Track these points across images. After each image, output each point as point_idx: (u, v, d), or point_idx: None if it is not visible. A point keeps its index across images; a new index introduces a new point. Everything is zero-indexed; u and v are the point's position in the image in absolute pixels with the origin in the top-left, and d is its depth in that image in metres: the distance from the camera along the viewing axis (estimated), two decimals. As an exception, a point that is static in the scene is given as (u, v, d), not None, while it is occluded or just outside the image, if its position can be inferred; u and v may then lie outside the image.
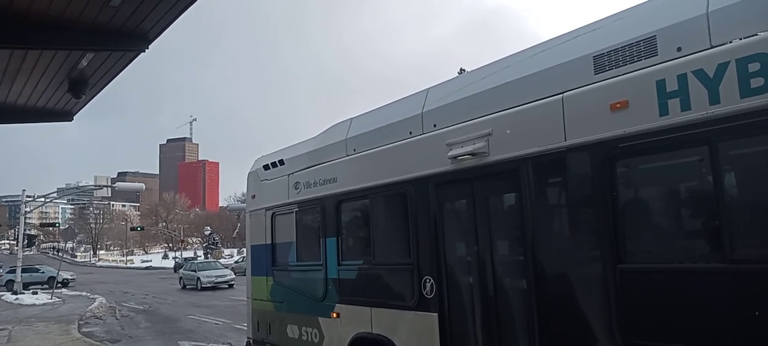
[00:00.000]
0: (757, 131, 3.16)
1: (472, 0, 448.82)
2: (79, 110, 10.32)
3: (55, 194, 41.72)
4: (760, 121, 3.11)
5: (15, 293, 26.21)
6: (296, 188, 7.12)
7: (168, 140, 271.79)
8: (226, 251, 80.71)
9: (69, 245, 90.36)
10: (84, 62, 7.65)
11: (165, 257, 77.87)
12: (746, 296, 3.21)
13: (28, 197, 31.36)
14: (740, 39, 3.28)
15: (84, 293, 28.72)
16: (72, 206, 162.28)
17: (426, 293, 5.15)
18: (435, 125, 5.32)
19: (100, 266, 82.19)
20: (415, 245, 5.31)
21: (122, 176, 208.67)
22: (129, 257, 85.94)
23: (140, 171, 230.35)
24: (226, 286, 29.90)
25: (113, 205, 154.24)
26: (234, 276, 31.73)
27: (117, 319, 18.33)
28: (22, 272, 28.92)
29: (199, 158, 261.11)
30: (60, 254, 69.29)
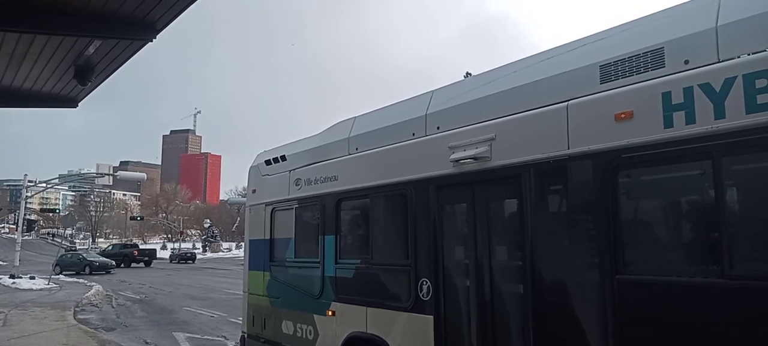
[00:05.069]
0: (761, 147, 3.14)
1: (473, 6, 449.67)
2: (84, 97, 10.29)
3: (56, 180, 41.90)
4: (764, 138, 3.09)
5: (12, 276, 26.26)
6: (297, 185, 7.12)
7: (171, 131, 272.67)
8: (225, 245, 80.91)
9: (68, 231, 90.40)
10: (91, 49, 7.63)
11: (163, 247, 78.00)
12: (743, 313, 3.20)
13: (29, 181, 31.45)
14: (748, 54, 3.28)
15: (81, 280, 28.77)
16: (73, 193, 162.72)
17: (422, 295, 5.14)
18: (438, 128, 5.31)
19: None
20: (414, 247, 5.30)
21: (124, 164, 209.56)
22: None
23: (142, 161, 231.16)
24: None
25: (114, 193, 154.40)
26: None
27: (113, 307, 18.34)
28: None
29: (202, 151, 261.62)
30: (58, 240, 69.79)
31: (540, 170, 4.27)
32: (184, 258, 54.84)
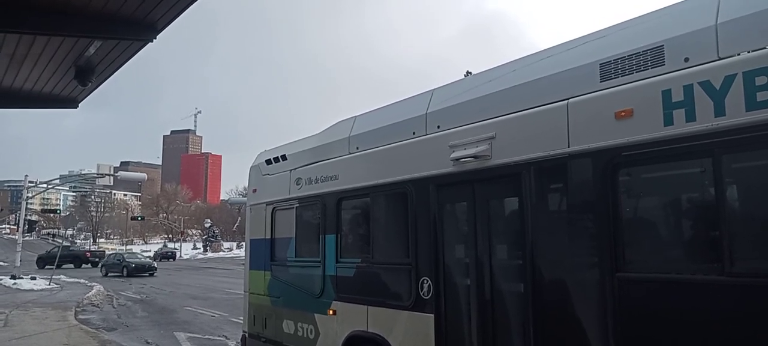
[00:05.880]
0: (761, 145, 3.15)
1: (473, 6, 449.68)
2: (84, 98, 10.29)
3: (57, 181, 41.94)
4: (764, 135, 3.10)
5: (13, 277, 26.27)
6: (297, 184, 7.12)
7: (172, 131, 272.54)
8: (226, 244, 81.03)
9: (69, 232, 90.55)
10: (91, 50, 7.63)
11: (164, 247, 78.28)
12: (744, 310, 3.20)
13: (30, 182, 31.48)
14: (748, 52, 3.28)
15: (82, 281, 28.78)
16: (74, 193, 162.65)
17: (423, 294, 5.15)
18: (439, 126, 5.32)
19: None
20: (414, 246, 5.31)
21: (125, 165, 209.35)
22: (128, 247, 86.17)
23: (143, 161, 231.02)
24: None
25: (115, 194, 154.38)
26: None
27: (114, 307, 18.37)
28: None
29: (203, 151, 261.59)
30: (58, 240, 70.34)
31: (540, 169, 4.27)
32: (165, 256, 62.25)
